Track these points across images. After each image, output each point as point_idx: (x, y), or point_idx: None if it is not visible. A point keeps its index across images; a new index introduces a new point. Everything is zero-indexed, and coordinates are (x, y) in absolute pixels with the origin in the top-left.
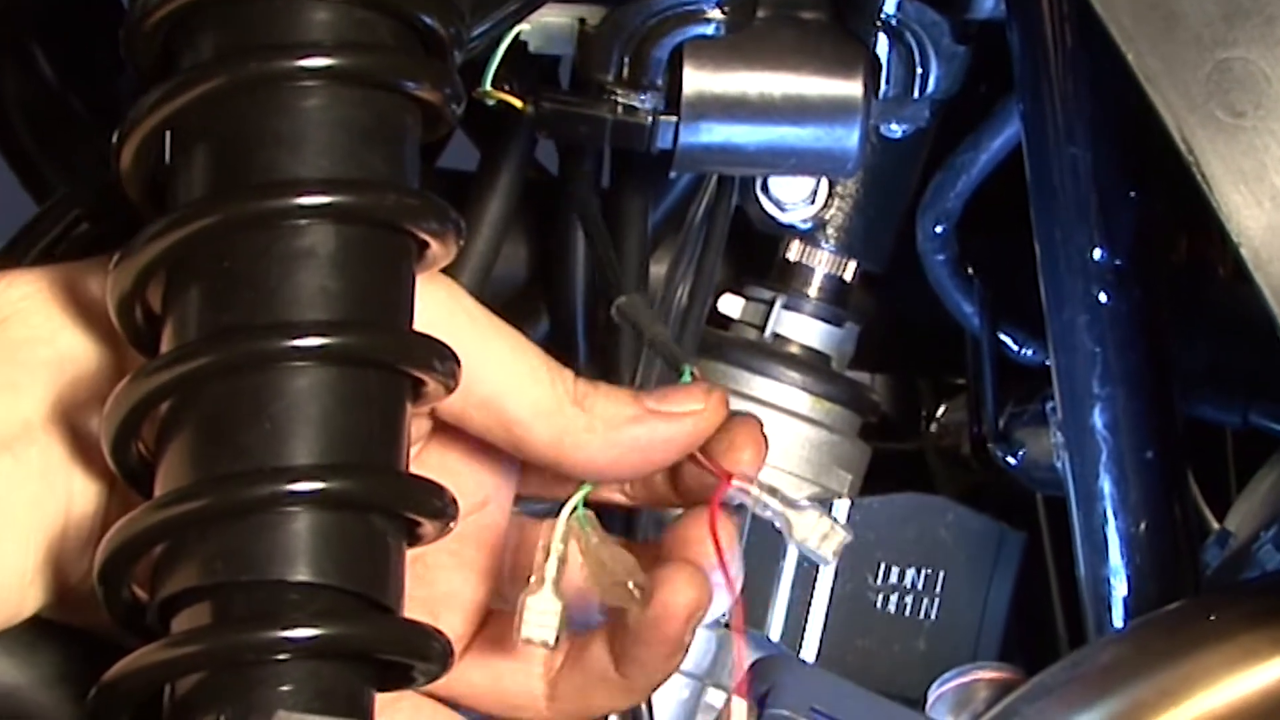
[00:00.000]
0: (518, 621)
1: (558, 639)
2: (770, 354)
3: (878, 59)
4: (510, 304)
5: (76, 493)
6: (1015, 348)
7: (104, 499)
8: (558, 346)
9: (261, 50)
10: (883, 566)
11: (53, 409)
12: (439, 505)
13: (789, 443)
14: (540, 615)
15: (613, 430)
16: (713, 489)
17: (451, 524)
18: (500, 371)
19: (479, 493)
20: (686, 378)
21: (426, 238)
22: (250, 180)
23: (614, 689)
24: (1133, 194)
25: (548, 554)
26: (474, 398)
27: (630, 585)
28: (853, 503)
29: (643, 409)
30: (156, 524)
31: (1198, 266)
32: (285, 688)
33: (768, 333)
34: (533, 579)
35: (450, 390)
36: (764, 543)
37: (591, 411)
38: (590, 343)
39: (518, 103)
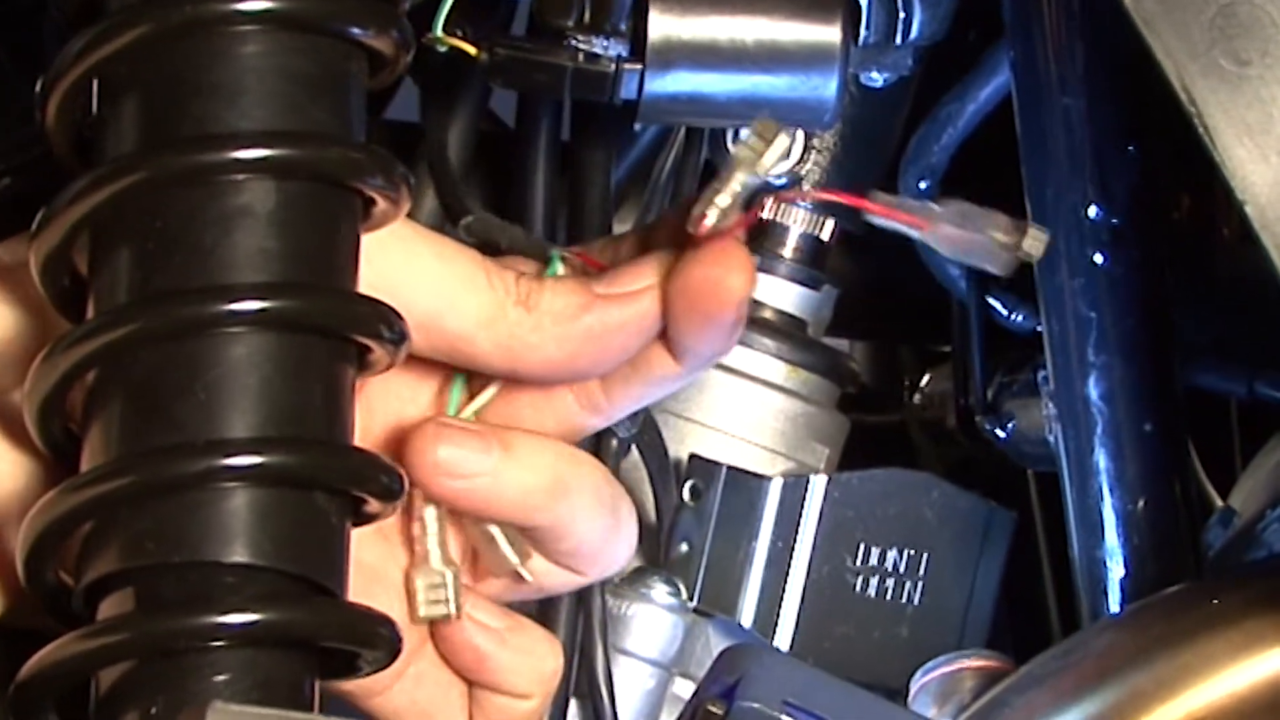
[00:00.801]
0: (411, 604)
1: (458, 606)
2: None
3: (857, 2)
4: None
5: (32, 477)
6: (1004, 313)
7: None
8: None
9: None
10: (862, 548)
11: None
12: (386, 482)
13: (761, 414)
14: (432, 591)
15: (563, 324)
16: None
17: (399, 502)
18: (433, 286)
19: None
20: (556, 267)
21: (373, 194)
22: (183, 132)
23: None
24: (1130, 148)
25: (423, 525)
26: (412, 320)
27: (507, 556)
28: (830, 479)
29: (592, 296)
30: (81, 503)
31: (1200, 226)
32: (221, 677)
33: None
34: (416, 552)
35: (398, 359)
36: (734, 522)
37: (538, 308)
38: None
39: (471, 49)
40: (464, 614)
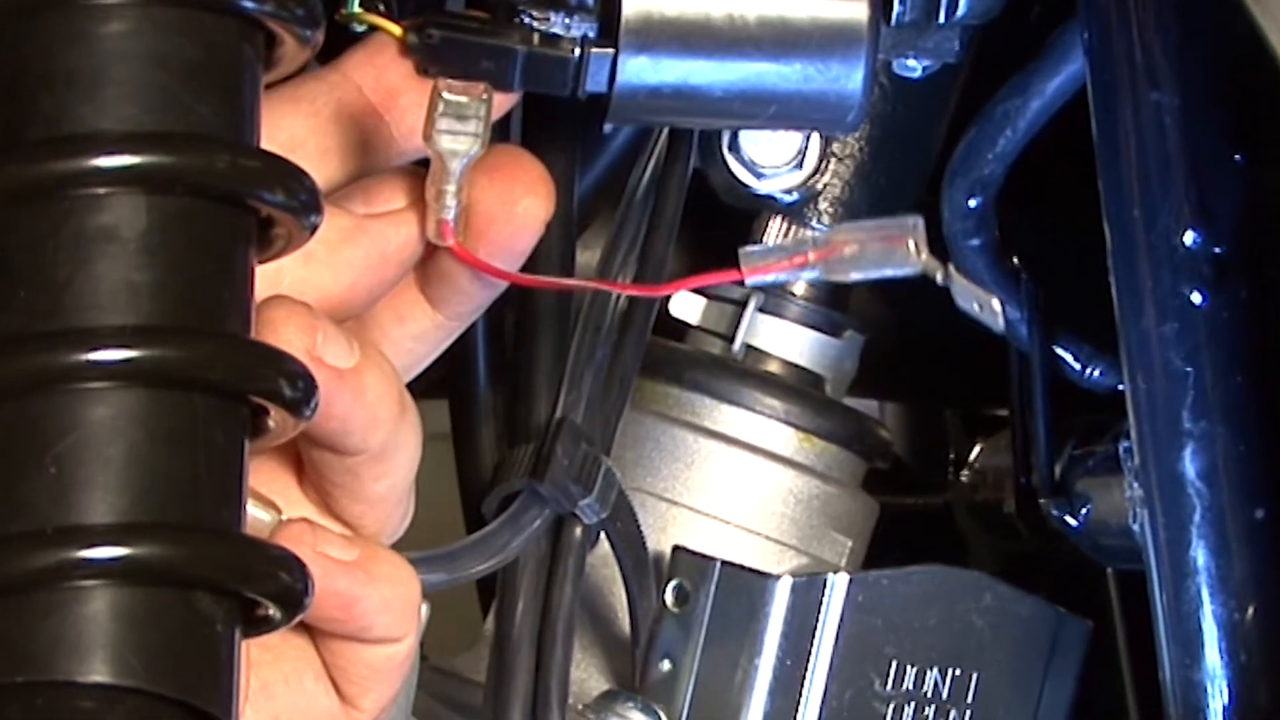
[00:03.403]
0: None
1: None
2: (741, 374)
3: None
4: None
5: None
6: (1077, 366)
7: None
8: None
9: None
10: (894, 666)
11: None
12: (286, 581)
13: (767, 496)
14: None
15: (338, 252)
16: None
17: (306, 603)
18: None
19: None
20: None
21: (271, 213)
22: (30, 135)
23: None
24: (1237, 157)
25: None
26: None
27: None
28: (853, 578)
29: (357, 218)
30: None
31: None
32: None
33: (737, 344)
34: None
35: (305, 420)
36: (731, 634)
37: None
38: (491, 328)
39: (395, 29)
40: (317, 554)
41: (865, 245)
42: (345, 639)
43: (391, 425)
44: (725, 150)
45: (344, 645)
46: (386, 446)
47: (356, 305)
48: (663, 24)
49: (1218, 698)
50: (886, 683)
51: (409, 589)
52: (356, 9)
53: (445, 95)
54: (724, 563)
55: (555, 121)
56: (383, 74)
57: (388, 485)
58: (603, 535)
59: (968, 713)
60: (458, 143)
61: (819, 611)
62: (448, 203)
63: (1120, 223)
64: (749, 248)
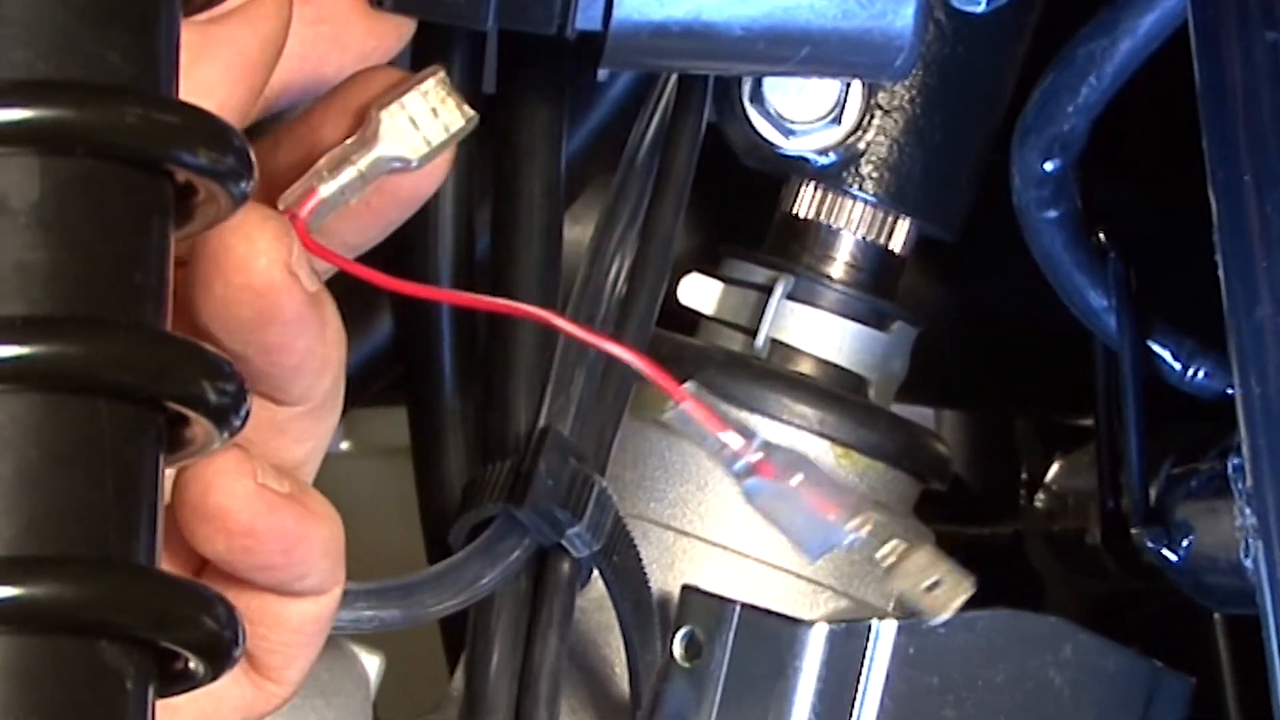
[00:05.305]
0: None
1: None
2: (766, 375)
3: None
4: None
5: None
6: (1176, 366)
7: None
8: (411, 330)
9: None
10: None
11: None
12: (211, 628)
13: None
14: None
15: None
16: None
17: (235, 654)
18: None
19: None
20: None
21: (192, 178)
22: None
23: None
24: None
25: None
26: None
27: None
28: (903, 625)
29: None
30: None
31: None
32: None
33: (761, 339)
34: None
35: (228, 435)
36: (754, 692)
37: None
38: (458, 320)
39: None
40: (261, 486)
41: (803, 494)
42: (273, 593)
43: (338, 373)
44: (747, 101)
45: (267, 605)
46: (327, 400)
47: (242, 118)
48: None
49: None
50: None
51: (339, 529)
52: None
53: (438, 83)
54: (744, 606)
55: (538, 66)
56: None
57: (310, 449)
58: (596, 572)
59: None
60: (408, 142)
61: (861, 666)
62: (342, 181)
63: (1229, 191)
64: (694, 386)
